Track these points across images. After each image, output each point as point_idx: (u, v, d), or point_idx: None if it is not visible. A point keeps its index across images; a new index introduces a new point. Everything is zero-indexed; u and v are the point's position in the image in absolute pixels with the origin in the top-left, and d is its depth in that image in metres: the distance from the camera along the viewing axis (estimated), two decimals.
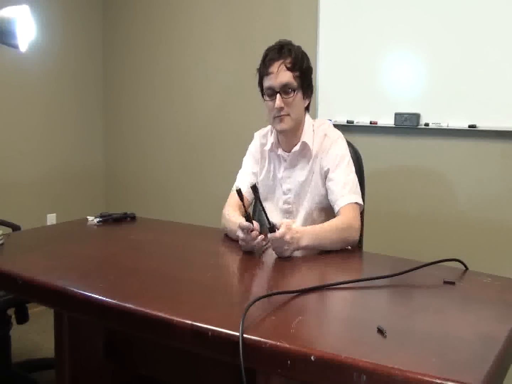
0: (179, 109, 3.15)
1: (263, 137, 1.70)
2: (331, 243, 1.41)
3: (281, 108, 1.51)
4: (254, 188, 1.36)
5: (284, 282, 1.25)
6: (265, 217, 1.37)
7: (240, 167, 1.72)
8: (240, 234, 1.37)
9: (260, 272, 1.31)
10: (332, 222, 1.46)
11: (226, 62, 2.94)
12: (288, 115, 1.53)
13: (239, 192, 1.40)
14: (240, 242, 1.38)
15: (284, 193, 1.65)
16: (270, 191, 1.63)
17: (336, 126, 1.68)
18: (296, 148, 1.60)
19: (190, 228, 1.78)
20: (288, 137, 1.62)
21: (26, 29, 1.46)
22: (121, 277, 1.20)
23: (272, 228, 1.33)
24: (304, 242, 1.37)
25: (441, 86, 2.27)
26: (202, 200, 3.09)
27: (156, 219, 1.87)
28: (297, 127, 1.59)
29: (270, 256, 1.36)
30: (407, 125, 2.32)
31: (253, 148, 1.71)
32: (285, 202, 1.65)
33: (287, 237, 1.31)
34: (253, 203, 1.71)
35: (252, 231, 1.33)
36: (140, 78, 3.29)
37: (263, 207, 1.37)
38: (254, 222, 1.38)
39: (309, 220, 1.61)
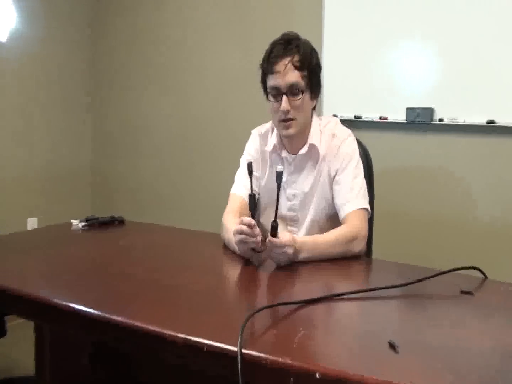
0: (173, 106, 3.14)
1: (263, 136, 1.67)
2: (333, 256, 1.41)
3: (287, 111, 1.49)
4: (279, 175, 1.32)
5: (287, 292, 1.24)
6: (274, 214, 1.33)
7: (237, 166, 1.68)
8: (237, 238, 1.33)
9: (260, 281, 1.30)
10: (336, 234, 1.44)
11: (225, 55, 2.93)
12: (295, 119, 1.51)
13: (252, 197, 1.37)
14: (238, 242, 1.34)
15: (288, 199, 1.63)
16: (273, 198, 1.56)
17: (343, 122, 1.67)
18: (303, 150, 1.58)
19: (184, 233, 1.76)
20: (294, 140, 1.59)
21: (6, 17, 1.44)
22: (109, 287, 1.19)
23: (275, 228, 1.32)
24: (303, 255, 1.37)
25: (457, 78, 2.26)
26: (197, 203, 3.07)
27: (146, 223, 1.86)
28: (304, 130, 1.57)
29: (271, 264, 1.35)
30: (420, 120, 2.32)
31: (252, 148, 1.67)
32: (290, 209, 1.64)
33: (289, 251, 1.31)
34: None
35: (254, 226, 1.32)
36: (131, 73, 3.28)
37: (278, 201, 1.34)
38: (256, 228, 1.36)
39: (315, 228, 1.60)
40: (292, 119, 1.51)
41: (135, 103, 3.26)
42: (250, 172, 1.38)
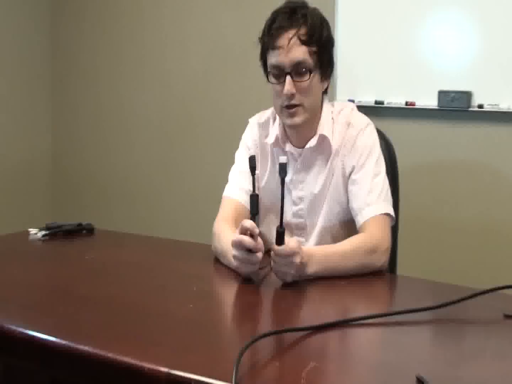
0: (151, 88, 3.11)
1: (263, 126, 1.67)
2: (348, 271, 1.41)
3: (292, 95, 1.49)
4: (282, 167, 1.32)
5: (293, 315, 1.23)
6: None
7: (232, 162, 1.68)
8: (236, 252, 1.33)
9: (261, 303, 1.29)
10: (352, 244, 1.45)
11: (215, 23, 2.89)
12: (301, 105, 1.51)
13: (254, 198, 1.38)
14: (236, 261, 1.35)
15: (294, 203, 1.63)
16: (276, 200, 1.52)
17: (361, 109, 1.67)
18: (312, 143, 1.58)
19: (166, 244, 1.76)
20: (301, 130, 1.59)
21: None
22: (73, 311, 1.17)
23: (281, 236, 1.32)
24: (310, 269, 1.36)
25: (500, 55, 2.23)
26: (182, 207, 3.04)
27: (120, 232, 1.87)
28: (313, 118, 1.58)
29: (274, 282, 1.33)
30: (455, 107, 2.30)
31: (250, 140, 1.67)
32: (296, 215, 1.64)
33: (296, 260, 1.30)
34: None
35: (256, 252, 1.32)
36: (100, 48, 3.26)
37: (283, 200, 1.34)
38: (260, 241, 1.35)
39: (327, 238, 1.60)
40: (297, 105, 1.51)
41: (105, 83, 3.24)
42: (253, 168, 1.38)
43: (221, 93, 2.92)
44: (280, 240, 1.32)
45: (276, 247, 1.32)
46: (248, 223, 1.33)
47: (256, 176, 1.55)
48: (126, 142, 3.23)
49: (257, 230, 1.33)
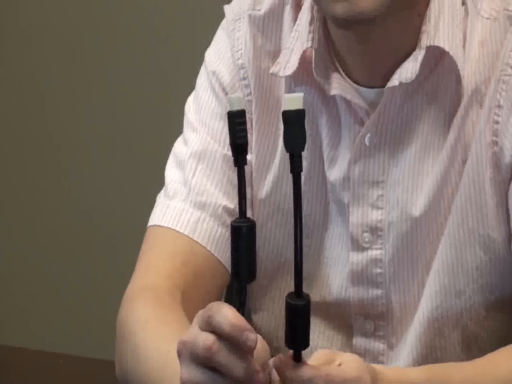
0: None
1: (265, 28, 1.33)
2: None
3: None
4: (291, 130, 0.97)
5: None
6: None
7: (168, 148, 1.37)
8: (192, 370, 0.93)
9: None
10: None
11: None
12: None
13: (245, 232, 1.02)
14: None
15: (357, 246, 1.28)
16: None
17: None
18: (408, 72, 1.20)
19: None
20: (376, 37, 1.23)
21: None
22: None
23: (300, 329, 0.99)
24: None
25: None
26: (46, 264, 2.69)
27: None
28: (409, 1, 1.20)
29: None
30: None
31: (224, 64, 1.33)
32: (359, 277, 1.30)
33: None
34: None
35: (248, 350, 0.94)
36: None
37: (298, 238, 0.92)
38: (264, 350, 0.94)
39: (450, 342, 1.27)
40: None
41: None
42: (240, 147, 0.94)
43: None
44: (293, 344, 0.93)
45: (286, 371, 0.91)
46: (224, 316, 0.94)
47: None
48: None
49: (252, 337, 0.95)
